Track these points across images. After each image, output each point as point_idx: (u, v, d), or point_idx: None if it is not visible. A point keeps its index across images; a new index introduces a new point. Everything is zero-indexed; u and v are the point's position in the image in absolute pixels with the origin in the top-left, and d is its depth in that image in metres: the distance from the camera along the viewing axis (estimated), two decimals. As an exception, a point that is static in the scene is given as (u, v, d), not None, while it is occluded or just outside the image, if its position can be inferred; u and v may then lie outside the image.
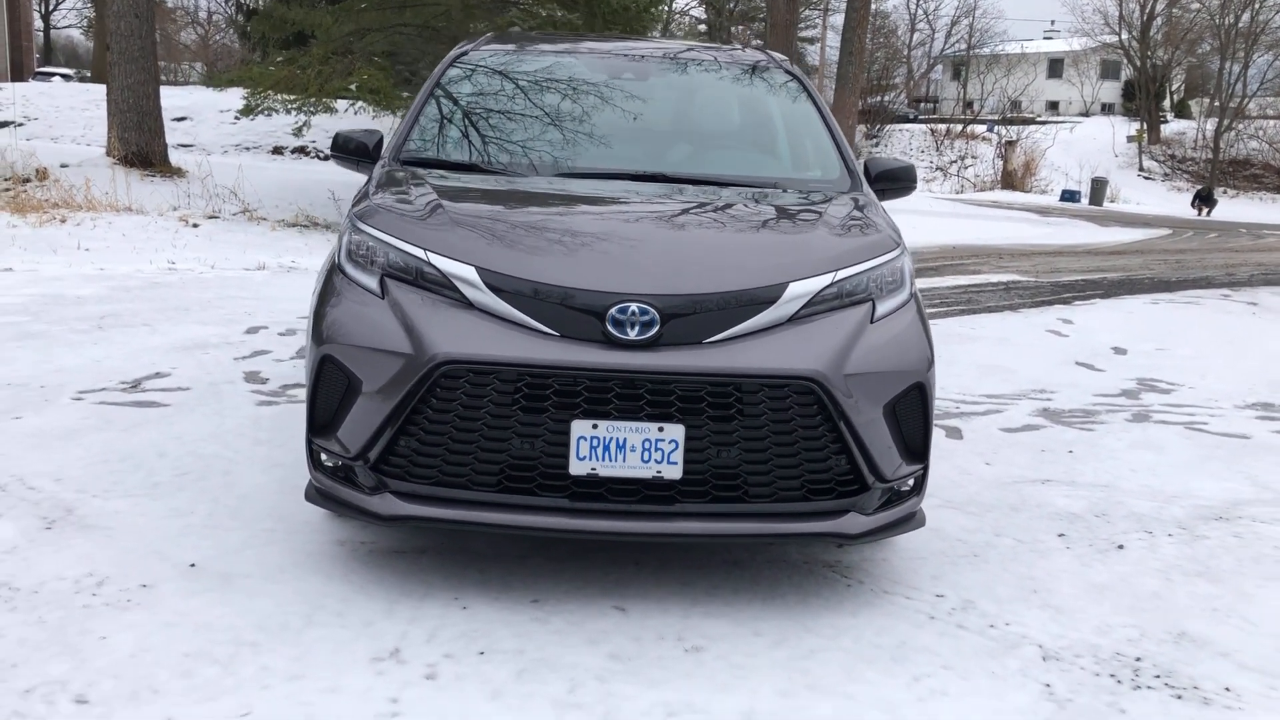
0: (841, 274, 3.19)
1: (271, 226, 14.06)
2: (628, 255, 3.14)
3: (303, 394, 5.20)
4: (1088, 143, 48.09)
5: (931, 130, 47.74)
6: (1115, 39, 52.91)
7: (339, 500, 3.17)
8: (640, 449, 2.95)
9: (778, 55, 4.76)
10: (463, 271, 3.06)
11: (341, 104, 15.18)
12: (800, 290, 3.10)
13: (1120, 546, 3.76)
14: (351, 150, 4.18)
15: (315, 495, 3.25)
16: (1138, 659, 2.95)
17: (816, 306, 3.11)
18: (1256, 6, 47.03)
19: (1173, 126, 52.18)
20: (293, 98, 14.03)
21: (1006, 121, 49.41)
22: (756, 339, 3.02)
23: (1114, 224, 23.58)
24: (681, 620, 3.06)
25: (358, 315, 3.12)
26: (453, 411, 2.96)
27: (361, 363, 3.05)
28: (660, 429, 2.94)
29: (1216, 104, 49.57)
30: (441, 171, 3.79)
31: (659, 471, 2.96)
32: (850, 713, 2.62)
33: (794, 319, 3.08)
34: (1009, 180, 42.07)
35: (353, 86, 13.47)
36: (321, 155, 25.87)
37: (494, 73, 4.31)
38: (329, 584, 3.17)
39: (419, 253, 3.13)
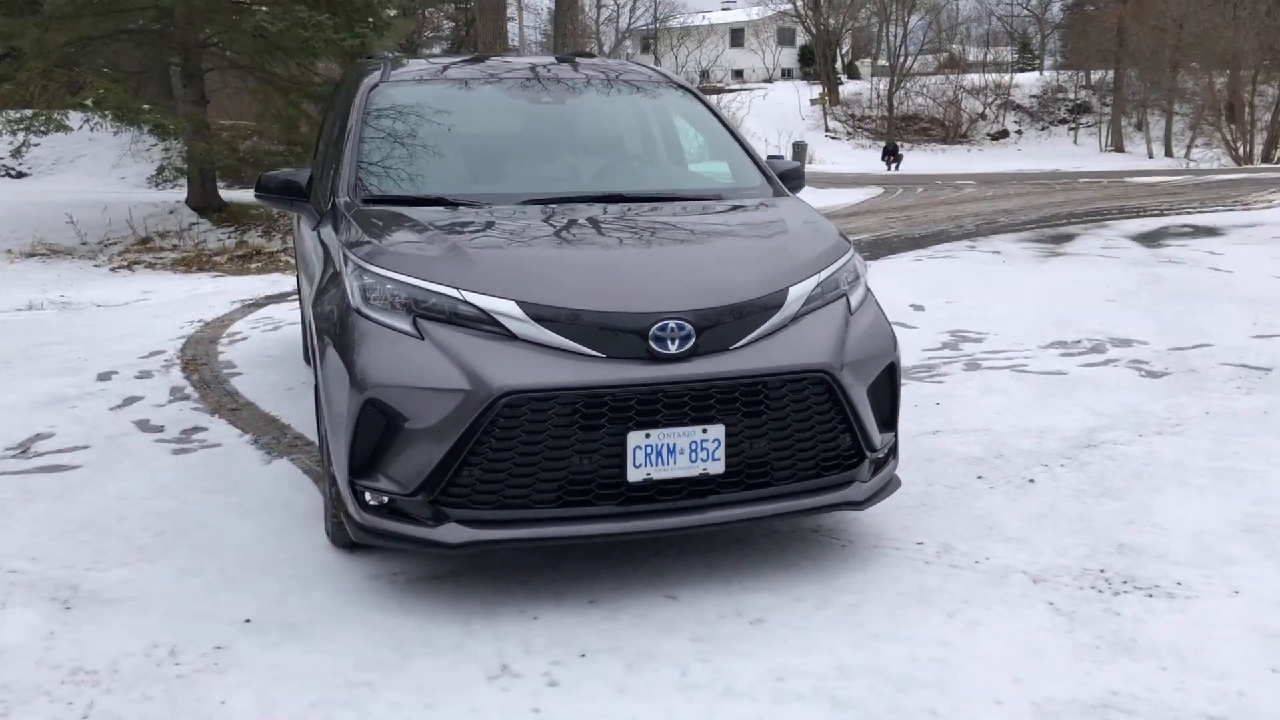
0: (823, 274, 3.62)
1: (9, 259, 13.01)
2: (655, 276, 3.42)
3: (214, 436, 5.14)
4: (778, 108, 51.28)
5: (634, 104, 49.12)
6: (789, 6, 56.69)
7: (395, 535, 3.28)
8: (688, 451, 3.26)
9: (665, 70, 5.11)
10: (503, 306, 3.24)
11: (74, 119, 14.13)
12: (798, 293, 3.50)
13: (1031, 480, 4.42)
14: (276, 189, 4.23)
15: (362, 534, 3.35)
16: (1101, 570, 3.57)
17: (809, 305, 3.53)
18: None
19: (849, 88, 56.48)
20: (16, 116, 12.96)
21: (701, 91, 51.70)
22: (771, 340, 3.40)
23: (829, 185, 25.39)
24: (728, 598, 3.41)
25: (400, 357, 3.23)
26: (515, 438, 3.15)
27: (412, 403, 3.17)
28: (704, 430, 3.26)
29: (883, 64, 54.14)
30: (415, 208, 3.88)
31: (705, 469, 3.29)
32: (919, 652, 3.06)
33: (795, 319, 3.48)
34: (715, 148, 44.09)
35: (89, 101, 12.59)
36: (13, 173, 23.71)
37: (423, 106, 4.40)
38: (393, 618, 3.29)
39: (451, 291, 3.28)
